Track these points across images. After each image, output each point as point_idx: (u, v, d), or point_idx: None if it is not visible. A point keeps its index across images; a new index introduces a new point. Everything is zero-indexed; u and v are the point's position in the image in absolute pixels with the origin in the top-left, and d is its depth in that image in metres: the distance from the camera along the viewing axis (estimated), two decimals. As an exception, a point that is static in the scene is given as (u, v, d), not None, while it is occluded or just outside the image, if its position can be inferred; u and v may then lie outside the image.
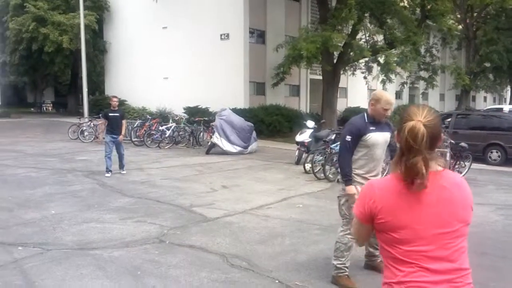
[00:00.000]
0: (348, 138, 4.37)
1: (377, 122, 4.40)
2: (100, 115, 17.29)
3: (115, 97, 11.19)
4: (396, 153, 1.83)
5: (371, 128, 4.35)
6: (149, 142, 16.76)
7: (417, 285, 1.73)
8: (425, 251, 1.74)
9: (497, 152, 15.00)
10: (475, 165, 12.50)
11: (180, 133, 17.54)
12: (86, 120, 19.38)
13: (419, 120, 1.75)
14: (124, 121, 11.00)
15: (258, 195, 8.73)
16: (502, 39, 33.49)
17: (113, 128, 10.60)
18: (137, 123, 18.32)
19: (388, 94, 4.62)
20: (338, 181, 4.67)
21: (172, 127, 17.23)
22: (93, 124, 18.27)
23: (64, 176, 10.20)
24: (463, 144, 11.10)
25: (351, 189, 4.35)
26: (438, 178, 1.77)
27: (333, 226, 5.94)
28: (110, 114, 10.62)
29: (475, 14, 34.86)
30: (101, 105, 26.94)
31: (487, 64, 34.76)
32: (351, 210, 4.49)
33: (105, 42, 29.74)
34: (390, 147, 4.62)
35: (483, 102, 51.83)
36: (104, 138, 10.85)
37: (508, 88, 46.55)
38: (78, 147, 15.98)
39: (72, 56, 30.53)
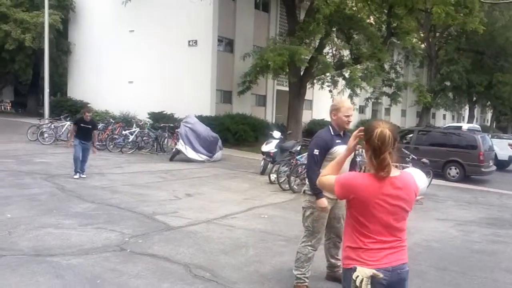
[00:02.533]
0: (316, 151, 4.40)
1: (342, 136, 4.47)
2: (70, 121, 16.84)
3: (89, 112, 11.13)
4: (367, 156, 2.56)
5: (337, 141, 4.41)
6: (112, 146, 16.41)
7: (373, 250, 2.52)
8: (380, 229, 2.52)
9: (455, 168, 15.45)
10: (435, 181, 12.83)
11: (144, 138, 17.25)
12: (47, 121, 18.79)
13: (384, 127, 2.48)
14: (95, 132, 11.22)
15: (222, 204, 8.66)
16: (462, 59, 34.74)
17: (84, 137, 10.68)
18: (99, 126, 17.91)
19: (346, 100, 4.71)
20: (304, 192, 4.67)
21: (136, 132, 16.92)
22: (54, 126, 17.74)
23: (21, 179, 9.83)
24: (424, 160, 11.36)
25: (323, 202, 4.35)
26: (395, 178, 2.53)
27: (297, 237, 5.92)
28: (81, 125, 10.65)
29: (437, 34, 36.04)
30: (62, 106, 26.25)
31: (447, 83, 35.91)
32: (315, 223, 4.51)
33: (69, 43, 29.04)
34: (352, 161, 4.65)
35: (443, 119, 53.42)
36: (73, 141, 10.70)
37: (467, 107, 48.16)
38: (37, 149, 15.47)
39: (34, 56, 29.61)
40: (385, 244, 2.54)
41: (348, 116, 4.40)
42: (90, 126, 10.70)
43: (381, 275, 2.47)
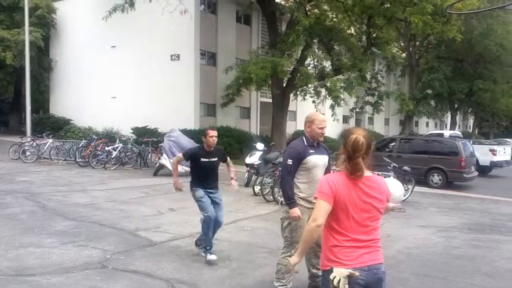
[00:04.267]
0: (290, 161, 4.47)
1: (316, 146, 4.55)
2: (52, 138, 16.66)
3: (214, 129, 6.39)
4: (342, 159, 2.75)
5: (311, 151, 4.49)
6: (95, 163, 16.28)
7: (348, 248, 2.63)
8: (355, 227, 2.65)
9: (438, 175, 15.61)
10: (418, 188, 12.93)
11: (127, 153, 17.16)
12: (29, 139, 18.60)
13: (359, 134, 2.68)
14: (229, 162, 6.55)
15: (206, 218, 8.62)
16: (443, 67, 35.28)
17: (208, 179, 6.13)
18: (82, 143, 17.81)
19: (320, 114, 4.79)
20: (281, 203, 4.73)
21: (119, 148, 16.84)
22: (36, 143, 17.59)
23: (2, 198, 9.71)
24: (406, 168, 11.47)
25: (295, 211, 4.41)
26: (368, 179, 2.70)
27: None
28: (202, 160, 6.05)
29: (417, 43, 36.57)
30: (44, 124, 26.07)
31: (429, 91, 36.43)
32: (294, 233, 4.54)
33: (50, 60, 28.91)
34: (326, 169, 4.72)
35: (426, 127, 54.01)
36: (186, 187, 6.30)
37: (449, 114, 48.81)
38: (19, 167, 15.31)
39: (15, 73, 29.41)
40: (360, 243, 2.66)
41: (322, 128, 4.50)
42: (215, 160, 6.18)
43: (358, 274, 2.55)
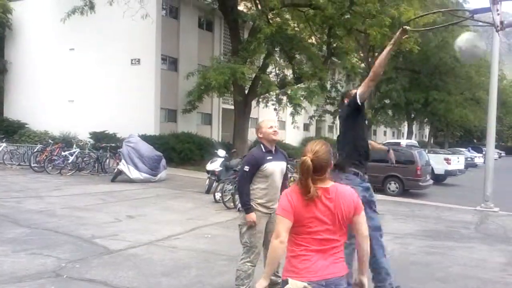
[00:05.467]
0: (246, 168, 4.54)
1: (274, 152, 4.62)
2: (6, 142, 16.07)
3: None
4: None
5: (268, 157, 4.56)
6: (50, 168, 15.82)
7: (305, 257, 2.60)
8: (313, 239, 2.61)
9: (395, 183, 16.01)
10: (376, 196, 13.18)
11: (85, 159, 16.76)
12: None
13: (308, 156, 2.60)
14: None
15: (165, 225, 8.53)
16: (400, 78, 36.32)
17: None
18: (37, 147, 17.27)
19: (267, 118, 4.99)
20: (239, 209, 4.75)
21: (76, 153, 16.43)
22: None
23: (-51, 205, 9.29)
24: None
25: (251, 216, 4.46)
26: (326, 191, 2.63)
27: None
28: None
29: (376, 54, 37.47)
30: (-3, 127, 25.11)
31: (387, 101, 37.41)
32: (252, 238, 4.57)
33: (5, 61, 27.90)
34: (284, 176, 4.81)
35: (383, 136, 55.31)
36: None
37: (405, 123, 50.17)
38: (-31, 172, 14.71)
39: (-33, 74, 28.30)
40: (318, 254, 2.60)
41: (271, 127, 4.58)
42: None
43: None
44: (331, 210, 2.61)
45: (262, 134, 4.59)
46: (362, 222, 2.69)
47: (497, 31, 5.70)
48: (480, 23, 6.25)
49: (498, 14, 5.19)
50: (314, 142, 2.72)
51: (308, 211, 2.61)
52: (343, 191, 2.69)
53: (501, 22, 5.38)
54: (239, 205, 4.75)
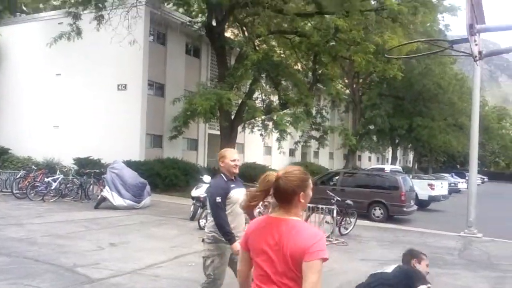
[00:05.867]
0: (218, 199, 4.56)
1: (234, 180, 4.70)
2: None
3: None
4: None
5: (232, 185, 4.65)
6: (33, 194, 15.56)
7: None
8: (261, 274, 2.35)
9: (379, 209, 16.05)
10: (360, 222, 13.23)
11: (68, 185, 16.55)
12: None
13: (277, 174, 2.38)
14: None
15: (148, 253, 8.43)
16: (384, 104, 36.92)
17: None
18: (20, 173, 17.05)
19: (231, 149, 5.02)
20: (203, 241, 4.75)
21: (59, 179, 16.22)
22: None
23: None
24: (348, 201, 11.74)
25: (236, 246, 4.41)
26: (283, 224, 2.32)
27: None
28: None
29: (361, 81, 38.12)
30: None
31: (371, 127, 37.89)
32: (216, 270, 4.60)
33: (-10, 86, 27.80)
34: None
35: (368, 161, 55.65)
36: None
37: (390, 149, 50.65)
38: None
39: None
40: None
41: (234, 160, 4.66)
42: None
43: None
44: (278, 245, 2.29)
45: (224, 164, 4.67)
46: (309, 272, 2.19)
47: (475, 61, 5.85)
48: (460, 53, 6.41)
49: (476, 45, 5.33)
50: (294, 166, 2.47)
51: (258, 242, 2.38)
52: (302, 228, 2.31)
53: (480, 52, 5.52)
54: (203, 237, 4.77)
